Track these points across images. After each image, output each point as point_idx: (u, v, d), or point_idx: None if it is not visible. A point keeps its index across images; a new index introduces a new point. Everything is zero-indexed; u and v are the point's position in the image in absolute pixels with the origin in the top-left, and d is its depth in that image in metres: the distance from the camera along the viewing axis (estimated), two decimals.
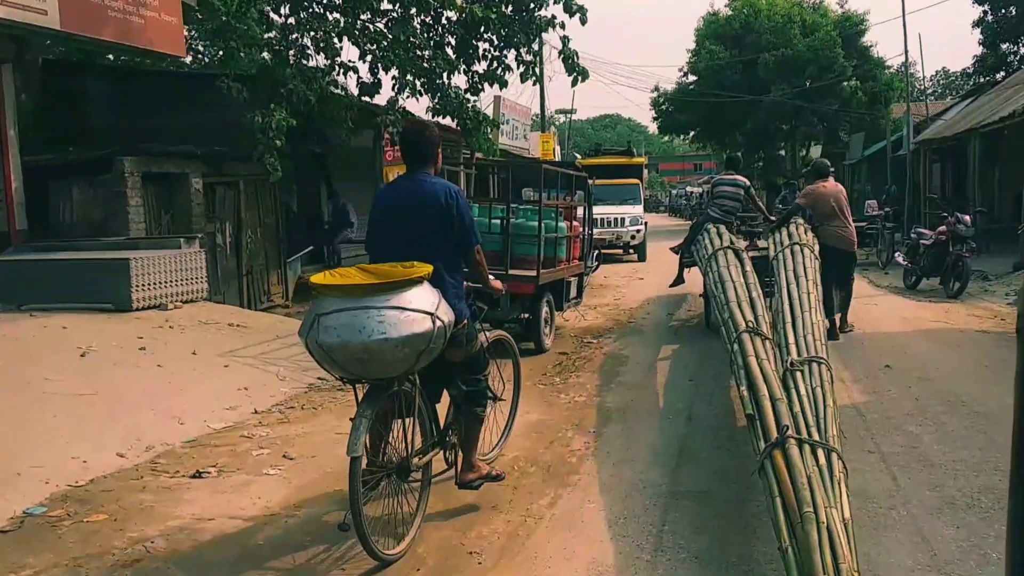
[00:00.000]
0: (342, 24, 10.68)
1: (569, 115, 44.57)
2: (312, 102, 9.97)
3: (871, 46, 32.11)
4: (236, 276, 11.50)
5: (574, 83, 12.81)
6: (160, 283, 8.00)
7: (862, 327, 9.05)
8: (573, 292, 9.52)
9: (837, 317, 8.46)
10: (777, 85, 30.62)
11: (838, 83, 30.24)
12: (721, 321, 5.96)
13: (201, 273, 8.74)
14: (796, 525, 3.11)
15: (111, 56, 13.30)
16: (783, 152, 38.67)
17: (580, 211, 10.38)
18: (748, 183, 9.94)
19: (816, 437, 3.77)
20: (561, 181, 9.06)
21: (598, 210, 20.06)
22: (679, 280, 10.39)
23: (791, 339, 5.21)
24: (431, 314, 3.47)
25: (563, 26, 12.37)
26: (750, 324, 5.26)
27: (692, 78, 35.49)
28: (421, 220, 3.87)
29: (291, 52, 10.25)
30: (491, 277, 4.33)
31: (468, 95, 12.55)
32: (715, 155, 53.34)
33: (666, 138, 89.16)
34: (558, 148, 33.79)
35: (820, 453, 3.60)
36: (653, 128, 41.16)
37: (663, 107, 36.61)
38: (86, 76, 11.56)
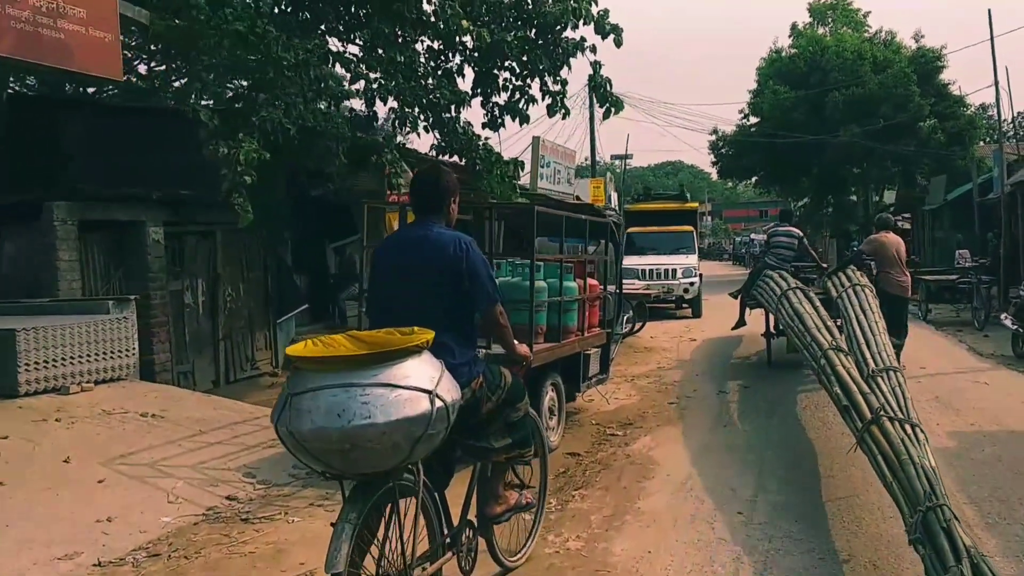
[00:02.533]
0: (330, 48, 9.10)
1: (624, 160, 42.62)
2: (291, 132, 8.31)
3: (950, 83, 29.52)
4: (212, 341, 9.86)
5: (606, 115, 11.02)
6: (62, 360, 6.35)
7: (980, 422, 6.86)
8: (594, 367, 7.53)
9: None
10: (847, 126, 28.24)
11: (914, 122, 27.70)
12: (803, 345, 6.86)
13: (131, 344, 7.07)
14: (896, 470, 3.98)
15: (89, 89, 11.95)
16: (854, 198, 35.96)
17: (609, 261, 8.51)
18: (801, 234, 10.84)
19: (902, 416, 4.59)
20: (571, 227, 7.13)
21: (646, 261, 18.22)
22: (741, 322, 11.04)
23: (868, 356, 6.03)
24: (429, 392, 2.87)
25: (594, 50, 10.57)
26: (832, 343, 6.23)
27: (754, 120, 33.30)
28: (426, 277, 3.45)
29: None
30: (516, 343, 3.76)
31: (484, 130, 10.81)
32: (781, 202, 50.78)
33: (729, 184, 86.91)
34: (614, 195, 31.94)
35: (907, 427, 4.44)
36: (715, 174, 38.81)
37: (723, 150, 34.43)
38: (55, 110, 10.11)
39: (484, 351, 3.67)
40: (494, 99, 10.83)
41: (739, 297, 11.00)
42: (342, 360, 2.86)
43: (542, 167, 19.87)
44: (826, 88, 29.05)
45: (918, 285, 13.24)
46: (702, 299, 18.16)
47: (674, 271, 17.43)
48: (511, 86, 10.80)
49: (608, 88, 10.57)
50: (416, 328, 3.05)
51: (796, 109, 29.80)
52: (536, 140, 19.40)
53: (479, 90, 10.52)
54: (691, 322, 16.91)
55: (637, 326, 13.38)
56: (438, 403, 2.87)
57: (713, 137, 34.44)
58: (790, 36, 33.00)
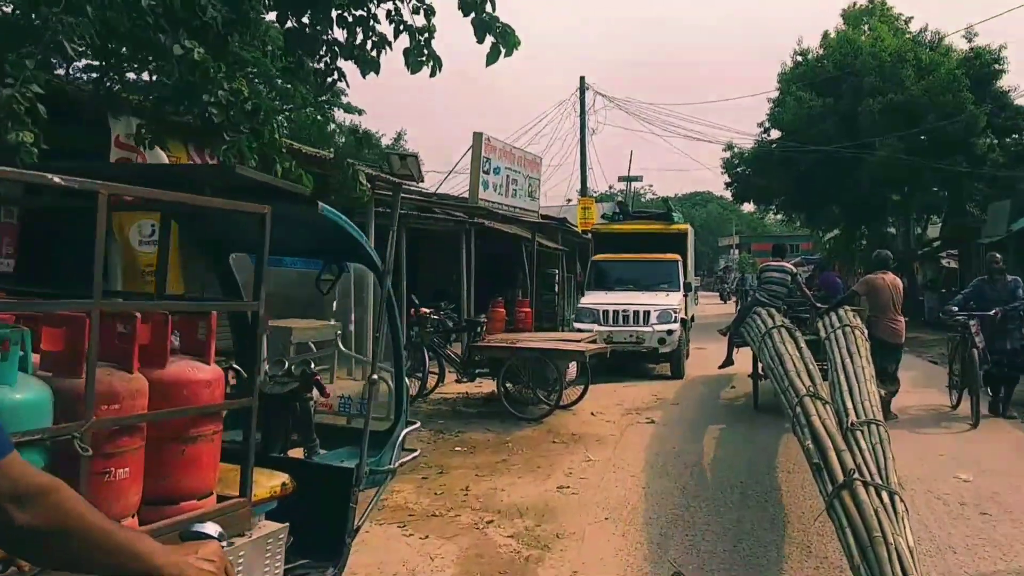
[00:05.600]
0: None
1: (629, 183, 38.36)
2: None
3: (1010, 90, 25.07)
4: None
5: (492, 56, 6.77)
6: None
7: None
8: None
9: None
10: (884, 141, 23.80)
11: (967, 137, 23.20)
12: (781, 389, 6.54)
13: None
14: (866, 548, 3.74)
15: None
16: (892, 229, 31.35)
17: None
18: (795, 270, 11.05)
19: (879, 481, 4.40)
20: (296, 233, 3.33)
21: (610, 299, 13.90)
22: (728, 362, 11.12)
23: (849, 405, 5.88)
24: None
25: None
26: (809, 389, 5.97)
27: (775, 134, 28.97)
28: None
29: None
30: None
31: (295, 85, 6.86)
32: (813, 235, 46.22)
33: (752, 211, 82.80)
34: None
35: (884, 495, 4.24)
36: (729, 195, 34.23)
37: (738, 169, 30.08)
38: None
39: None
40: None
41: (727, 335, 11.06)
42: None
43: (486, 173, 15.59)
44: (859, 97, 24.84)
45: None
46: (685, 351, 13.76)
47: (646, 314, 13.24)
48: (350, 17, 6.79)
49: (496, 24, 6.36)
50: None
51: (824, 120, 25.75)
52: (477, 137, 15.27)
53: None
54: (666, 385, 12.66)
55: (569, 393, 10.17)
56: None
57: (727, 154, 30.15)
58: (821, 46, 28.53)
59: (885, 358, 8.42)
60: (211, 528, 1.63)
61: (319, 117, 9.00)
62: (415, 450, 4.65)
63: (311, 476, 3.91)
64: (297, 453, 4.25)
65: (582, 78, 27.04)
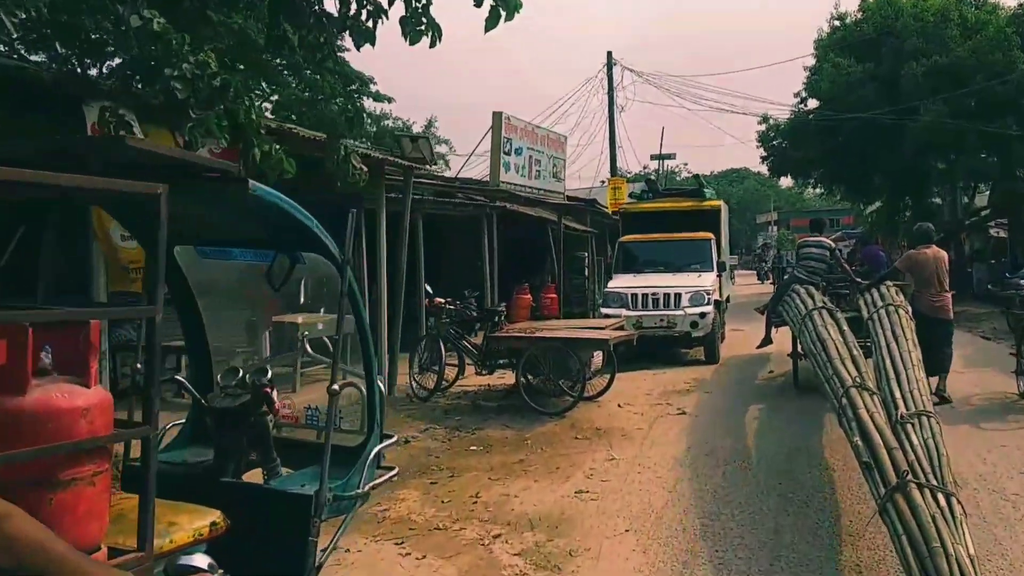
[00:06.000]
0: None
1: (661, 161, 37.34)
2: None
3: None
4: None
5: (490, 24, 6.22)
6: None
7: None
8: None
9: (934, 382, 7.98)
10: (929, 106, 22.60)
11: (1018, 97, 21.89)
12: (824, 378, 6.19)
13: None
14: (924, 559, 3.47)
15: None
16: (938, 200, 30.01)
17: None
18: (833, 245, 10.61)
19: (934, 483, 4.09)
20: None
21: (639, 282, 13.21)
22: (767, 340, 10.73)
23: (897, 394, 5.54)
24: None
25: None
26: (856, 380, 5.58)
27: (813, 104, 27.80)
28: None
29: None
30: None
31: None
32: (854, 208, 44.69)
33: (791, 186, 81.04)
34: None
35: (940, 497, 3.97)
36: (765, 170, 33.04)
37: (775, 142, 28.95)
38: None
39: None
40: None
41: (765, 313, 10.77)
42: None
43: (507, 154, 15.00)
44: (901, 60, 23.57)
45: None
46: (720, 334, 13.07)
47: (677, 297, 12.50)
48: None
49: None
50: None
51: (864, 86, 24.55)
52: (497, 117, 14.65)
53: None
54: (699, 371, 11.97)
55: (595, 384, 9.55)
56: None
57: (763, 127, 29.05)
58: (859, 10, 27.20)
59: (933, 336, 7.91)
60: (200, 560, 1.35)
61: (348, 107, 8.35)
62: (393, 468, 4.07)
63: (266, 504, 3.37)
64: (258, 475, 3.72)
65: (609, 53, 26.31)
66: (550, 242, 18.10)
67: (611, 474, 6.72)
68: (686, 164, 74.51)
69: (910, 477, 4.06)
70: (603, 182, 31.44)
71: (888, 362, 6.33)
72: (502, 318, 10.66)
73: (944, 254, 9.03)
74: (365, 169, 7.22)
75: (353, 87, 36.29)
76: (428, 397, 9.83)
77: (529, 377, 9.39)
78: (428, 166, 10.62)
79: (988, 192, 30.21)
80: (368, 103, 38.75)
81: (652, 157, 38.99)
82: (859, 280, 9.48)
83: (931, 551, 3.52)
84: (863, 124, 24.50)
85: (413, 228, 13.05)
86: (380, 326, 10.21)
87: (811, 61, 28.04)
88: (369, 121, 56.23)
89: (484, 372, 9.80)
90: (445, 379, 10.37)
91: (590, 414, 9.06)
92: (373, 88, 35.58)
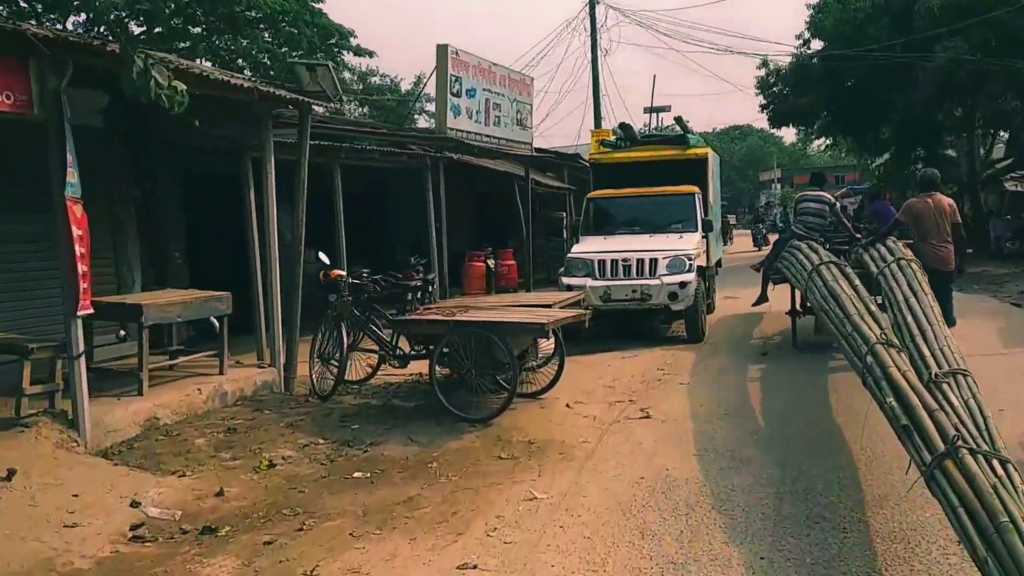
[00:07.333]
0: None
1: (655, 113, 34.60)
2: None
3: None
4: None
5: None
6: None
7: None
8: None
9: None
10: (944, 44, 20.18)
11: None
12: (842, 335, 5.74)
13: None
14: (990, 535, 3.16)
15: None
16: (951, 151, 27.68)
17: None
18: (834, 200, 10.02)
19: (985, 447, 3.76)
20: None
21: (610, 245, 11.06)
22: (763, 298, 10.25)
23: (926, 352, 5.13)
24: None
25: None
26: (881, 336, 5.14)
27: (816, 46, 25.37)
28: None
29: None
30: None
31: None
32: (860, 163, 42.26)
33: (794, 142, 78.75)
34: None
35: (995, 463, 3.59)
36: (765, 121, 30.46)
37: (775, 88, 26.50)
38: None
39: None
40: None
41: (761, 270, 10.31)
42: None
43: (456, 96, 12.80)
44: None
45: None
46: (704, 307, 11.01)
47: (653, 263, 10.38)
48: None
49: None
50: None
51: (872, 23, 22.07)
52: (442, 50, 12.41)
53: None
54: (678, 353, 9.93)
55: (540, 376, 7.93)
56: None
57: (762, 72, 26.60)
58: None
59: (934, 288, 7.19)
60: None
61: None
62: None
63: None
64: None
65: None
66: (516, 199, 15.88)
67: (524, 527, 4.64)
68: (681, 117, 71.86)
69: (960, 442, 3.66)
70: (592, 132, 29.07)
71: (910, 317, 5.88)
72: (427, 292, 8.56)
73: (947, 201, 8.50)
74: (182, 87, 5.06)
75: (332, 40, 33.87)
76: (328, 395, 7.76)
77: (451, 371, 7.33)
78: (332, 102, 8.45)
79: (1006, 144, 27.90)
80: (349, 57, 36.12)
81: (645, 110, 36.31)
82: (859, 236, 9.19)
83: (999, 527, 3.13)
84: (872, 66, 22.15)
85: (331, 183, 10.88)
86: (272, 302, 8.12)
87: None
88: (355, 78, 53.47)
89: (395, 365, 7.71)
90: (368, 366, 8.34)
91: (526, 419, 6.98)
92: (354, 42, 33.11)
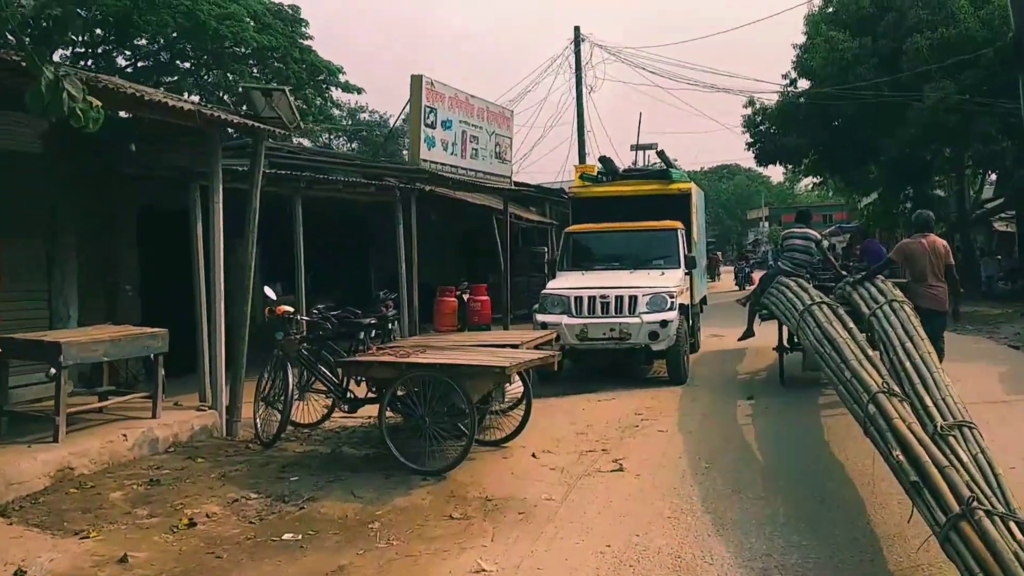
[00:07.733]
0: None
1: (642, 151, 34.19)
2: None
3: None
4: None
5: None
6: None
7: None
8: None
9: None
10: (933, 85, 19.92)
11: None
12: (839, 382, 5.61)
13: None
14: None
15: None
16: (940, 191, 27.43)
17: None
18: (820, 237, 10.01)
19: (1002, 509, 3.61)
20: None
21: (587, 281, 10.44)
22: (749, 333, 10.22)
23: (928, 402, 4.95)
24: None
25: None
26: (883, 385, 5.02)
27: (803, 85, 25.08)
28: None
29: None
30: None
31: None
32: (849, 203, 42.11)
33: (782, 181, 79.28)
34: None
35: (1013, 527, 3.47)
36: (752, 160, 30.09)
37: (761, 126, 26.17)
38: None
39: None
40: None
41: (747, 305, 10.33)
42: None
43: (430, 127, 12.26)
44: (903, 34, 20.95)
45: None
46: (687, 348, 10.39)
47: (633, 300, 9.75)
48: None
49: None
50: None
51: (860, 63, 21.71)
52: (416, 80, 11.90)
53: None
54: (659, 395, 9.31)
55: (506, 421, 7.35)
56: None
57: (748, 111, 26.26)
58: None
59: (928, 328, 7.09)
60: None
61: None
62: None
63: None
64: None
65: (576, 28, 23.55)
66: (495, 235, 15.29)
67: None
68: (673, 157, 72.15)
69: (976, 503, 3.52)
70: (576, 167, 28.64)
71: (908, 364, 5.70)
72: (387, 330, 7.90)
73: (941, 243, 8.48)
74: (96, 103, 4.44)
75: (321, 76, 33.57)
76: (272, 441, 7.07)
77: (404, 418, 6.65)
78: (289, 129, 7.89)
79: (994, 184, 27.64)
80: (337, 94, 35.88)
81: (632, 147, 35.96)
82: (845, 274, 9.15)
83: None
84: (860, 106, 21.82)
85: (292, 214, 10.29)
86: (216, 339, 7.45)
87: (800, 38, 25.30)
88: (343, 114, 53.19)
89: (344, 409, 7.04)
90: (325, 407, 7.66)
91: (485, 471, 6.30)
92: (342, 78, 32.91)
